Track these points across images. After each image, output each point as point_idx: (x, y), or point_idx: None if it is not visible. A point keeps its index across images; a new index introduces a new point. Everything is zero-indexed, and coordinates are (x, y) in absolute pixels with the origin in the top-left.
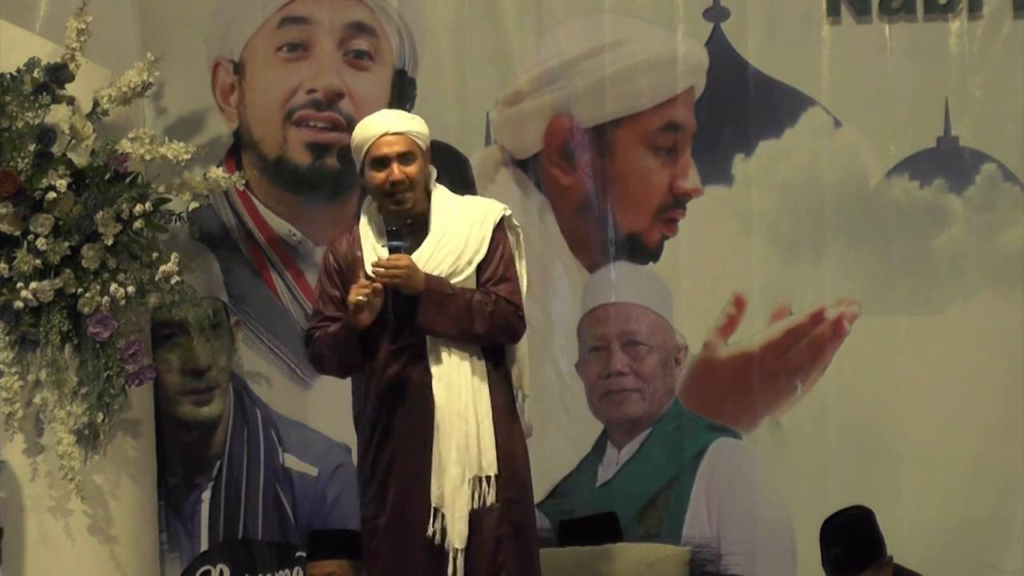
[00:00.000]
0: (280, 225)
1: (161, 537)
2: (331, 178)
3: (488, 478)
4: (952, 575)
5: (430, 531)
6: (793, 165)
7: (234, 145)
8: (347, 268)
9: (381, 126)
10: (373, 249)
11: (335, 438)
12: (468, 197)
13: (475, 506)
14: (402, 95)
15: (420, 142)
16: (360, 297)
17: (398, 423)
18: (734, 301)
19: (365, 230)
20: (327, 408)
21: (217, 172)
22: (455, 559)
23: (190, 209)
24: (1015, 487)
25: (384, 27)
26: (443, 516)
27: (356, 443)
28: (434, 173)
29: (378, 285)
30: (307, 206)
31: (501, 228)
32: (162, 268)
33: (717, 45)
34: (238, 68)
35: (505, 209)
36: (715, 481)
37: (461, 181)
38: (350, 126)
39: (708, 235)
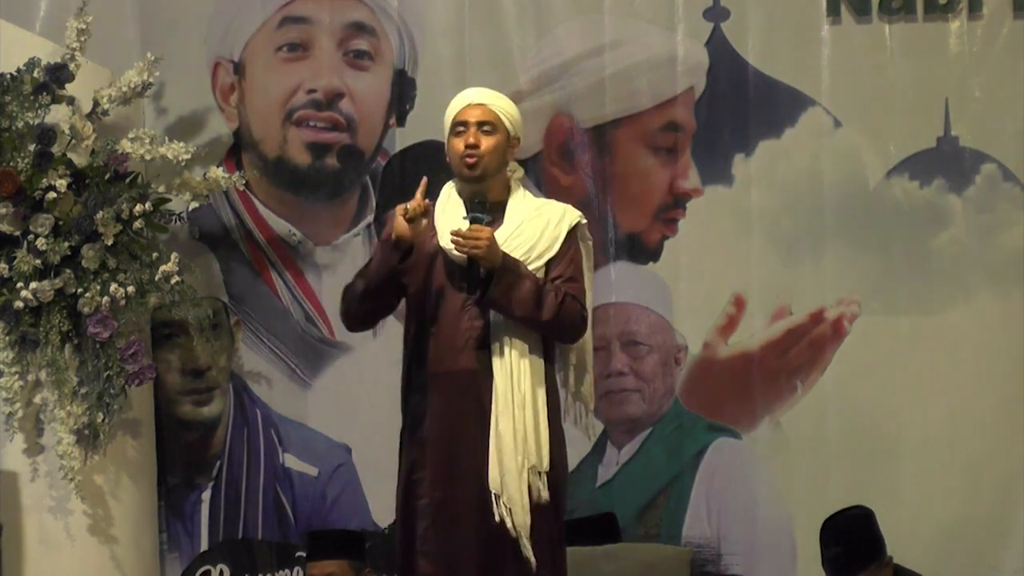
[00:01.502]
0: (280, 225)
1: (161, 537)
2: (331, 178)
3: (541, 473)
4: (952, 575)
5: (497, 516)
6: (793, 165)
7: (234, 145)
8: (415, 242)
9: (466, 97)
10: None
11: (335, 438)
12: (545, 199)
13: (533, 498)
14: (402, 95)
15: (504, 119)
16: (409, 206)
17: (456, 408)
18: (734, 301)
19: (442, 212)
20: (327, 408)
21: (217, 172)
22: (520, 547)
23: (190, 209)
24: (1015, 487)
25: (384, 27)
26: (504, 503)
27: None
28: (519, 171)
29: (424, 205)
30: (307, 206)
31: (575, 234)
32: (162, 268)
33: (717, 45)
34: (238, 68)
35: (582, 217)
36: (715, 481)
37: None
38: (350, 126)
39: (708, 235)
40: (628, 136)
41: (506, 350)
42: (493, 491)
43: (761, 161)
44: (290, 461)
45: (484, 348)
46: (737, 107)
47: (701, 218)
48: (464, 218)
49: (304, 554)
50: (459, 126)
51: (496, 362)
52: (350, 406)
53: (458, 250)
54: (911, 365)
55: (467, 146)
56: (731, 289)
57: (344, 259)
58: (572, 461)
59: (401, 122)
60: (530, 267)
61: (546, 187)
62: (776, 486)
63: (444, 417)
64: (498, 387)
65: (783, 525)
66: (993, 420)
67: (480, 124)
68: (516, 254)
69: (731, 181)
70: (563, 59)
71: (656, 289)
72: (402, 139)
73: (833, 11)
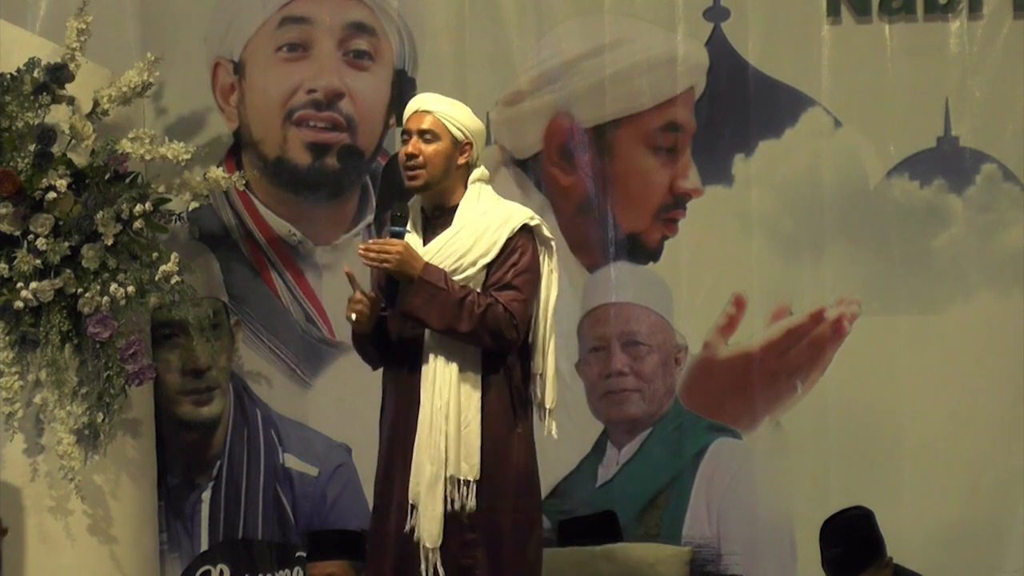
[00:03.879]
0: (280, 225)
1: (161, 537)
2: (331, 178)
3: (468, 482)
4: (952, 575)
5: (407, 527)
6: (793, 165)
7: (234, 145)
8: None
9: (413, 105)
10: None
11: (335, 438)
12: (503, 201)
13: (451, 508)
14: (402, 95)
15: (450, 125)
16: (352, 316)
17: (395, 420)
18: (734, 301)
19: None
20: (327, 408)
21: (217, 172)
22: (427, 557)
23: (190, 209)
24: (1015, 487)
25: (384, 27)
26: (419, 514)
27: None
28: (479, 172)
29: (366, 301)
30: (307, 206)
31: (524, 236)
32: (162, 268)
33: (717, 45)
34: (238, 68)
35: (532, 218)
36: (715, 481)
37: None
38: (350, 126)
39: (708, 235)
40: (628, 136)
41: (432, 358)
42: (411, 501)
43: (761, 161)
44: (290, 461)
45: (419, 360)
46: (737, 107)
47: (701, 218)
48: (386, 230)
49: (304, 554)
50: (404, 135)
51: (423, 370)
52: (350, 406)
53: (367, 263)
54: (911, 365)
55: (407, 156)
56: (731, 289)
57: (344, 259)
58: (572, 461)
59: (401, 122)
60: (464, 273)
61: (546, 187)
62: (776, 486)
63: (392, 421)
64: (422, 396)
65: (783, 525)
66: (993, 420)
67: (422, 133)
68: (448, 260)
69: (731, 181)
70: (563, 59)
71: (656, 289)
72: None
73: (833, 11)
